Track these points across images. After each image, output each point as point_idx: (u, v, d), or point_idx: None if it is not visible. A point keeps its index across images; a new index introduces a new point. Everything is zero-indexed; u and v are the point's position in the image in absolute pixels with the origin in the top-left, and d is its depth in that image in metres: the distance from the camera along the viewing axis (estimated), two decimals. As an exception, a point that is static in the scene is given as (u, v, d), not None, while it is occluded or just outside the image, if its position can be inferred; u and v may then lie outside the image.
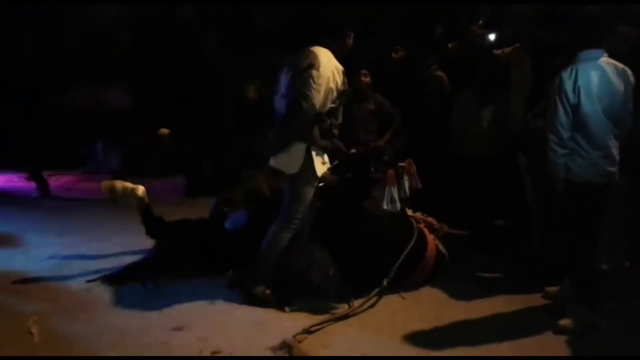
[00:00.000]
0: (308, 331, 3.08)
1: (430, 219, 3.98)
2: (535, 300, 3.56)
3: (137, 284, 3.74)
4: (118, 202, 3.88)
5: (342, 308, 3.39)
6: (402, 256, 3.60)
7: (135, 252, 4.29)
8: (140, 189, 3.89)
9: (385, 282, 3.51)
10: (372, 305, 3.45)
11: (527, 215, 4.10)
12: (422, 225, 3.89)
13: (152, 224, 4.00)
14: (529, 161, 3.98)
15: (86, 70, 7.62)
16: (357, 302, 3.43)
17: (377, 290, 3.48)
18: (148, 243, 4.22)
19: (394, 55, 5.11)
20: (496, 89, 4.49)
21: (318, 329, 3.14)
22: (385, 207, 3.73)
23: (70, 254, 4.36)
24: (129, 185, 3.88)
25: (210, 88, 6.65)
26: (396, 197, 3.85)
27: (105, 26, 7.82)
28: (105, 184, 3.87)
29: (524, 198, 4.11)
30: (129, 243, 4.50)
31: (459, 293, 3.64)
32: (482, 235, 4.52)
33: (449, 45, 5.15)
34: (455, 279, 3.86)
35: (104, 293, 3.64)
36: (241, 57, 6.90)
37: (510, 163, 4.26)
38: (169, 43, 7.45)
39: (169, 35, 7.56)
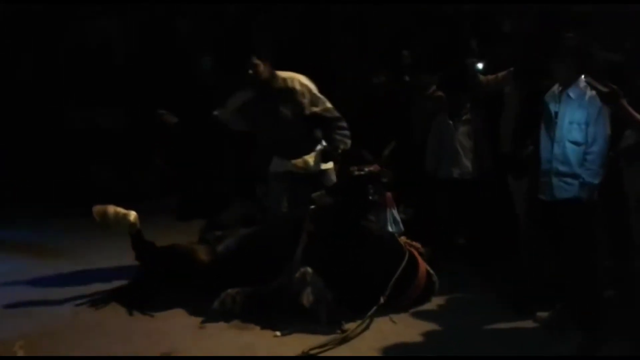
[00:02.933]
0: (307, 355, 3.07)
1: (415, 244, 3.98)
2: (526, 324, 3.52)
3: (124, 308, 3.71)
4: (109, 226, 3.87)
5: (333, 332, 3.34)
6: (397, 272, 3.59)
7: (122, 276, 4.22)
8: (132, 215, 3.87)
9: (382, 300, 3.50)
10: (364, 330, 3.41)
11: (509, 235, 4.12)
12: (411, 248, 3.88)
13: (143, 250, 3.97)
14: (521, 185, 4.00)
15: (80, 90, 7.62)
16: (348, 325, 3.40)
17: (374, 308, 3.46)
18: (136, 266, 4.15)
19: (375, 81, 5.16)
20: (471, 111, 4.58)
21: (319, 352, 3.11)
22: (390, 229, 3.73)
23: (57, 276, 4.32)
24: (121, 210, 3.86)
25: (206, 107, 6.65)
26: (398, 218, 3.85)
27: (100, 45, 7.84)
28: (97, 208, 3.84)
29: (503, 218, 4.15)
30: (116, 266, 4.48)
31: (449, 317, 3.61)
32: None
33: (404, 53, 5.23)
34: (445, 303, 3.84)
35: (90, 317, 3.61)
36: (238, 76, 6.91)
37: (492, 183, 4.31)
38: (164, 62, 7.48)
39: (164, 54, 7.59)
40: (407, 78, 5.33)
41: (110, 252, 4.87)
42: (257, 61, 4.06)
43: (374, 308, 3.47)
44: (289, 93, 4.14)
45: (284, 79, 4.16)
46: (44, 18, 7.55)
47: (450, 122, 4.60)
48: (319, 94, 4.21)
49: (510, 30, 5.62)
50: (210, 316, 3.54)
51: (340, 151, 4.02)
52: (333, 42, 6.91)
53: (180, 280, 3.81)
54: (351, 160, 4.27)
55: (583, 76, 3.16)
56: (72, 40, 7.75)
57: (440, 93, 4.84)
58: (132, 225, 3.86)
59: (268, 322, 3.45)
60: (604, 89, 3.02)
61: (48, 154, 7.33)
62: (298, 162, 4.00)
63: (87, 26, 7.75)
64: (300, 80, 4.19)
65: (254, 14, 7.55)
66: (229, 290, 3.60)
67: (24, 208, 6.58)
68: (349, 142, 4.12)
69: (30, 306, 3.75)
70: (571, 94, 3.28)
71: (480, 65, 4.73)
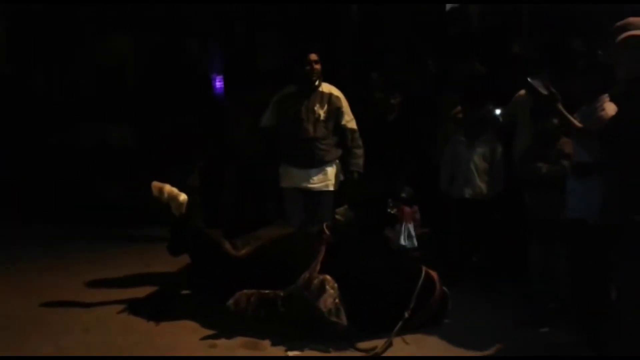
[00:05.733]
0: None
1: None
2: (540, 345, 3.49)
3: (138, 322, 3.76)
4: (162, 203, 4.07)
5: (344, 351, 3.32)
6: (418, 286, 3.57)
7: (133, 293, 4.29)
8: (183, 196, 4.09)
9: (406, 314, 3.46)
10: (389, 346, 3.36)
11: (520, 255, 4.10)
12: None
13: (179, 234, 4.12)
14: (529, 201, 3.99)
15: (91, 108, 7.70)
16: (362, 344, 3.37)
17: (400, 324, 3.43)
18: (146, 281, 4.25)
19: (392, 101, 5.19)
20: (485, 133, 4.60)
21: None
22: (402, 243, 3.73)
23: (67, 294, 4.31)
24: (175, 189, 4.11)
25: (217, 125, 6.72)
26: (413, 233, 3.85)
27: (112, 64, 7.94)
28: (156, 184, 4.10)
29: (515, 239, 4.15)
30: (126, 283, 4.55)
31: (461, 338, 3.55)
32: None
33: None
34: (457, 323, 3.78)
35: (101, 334, 3.60)
36: (247, 95, 6.97)
37: (505, 202, 4.31)
38: (175, 81, 7.56)
39: (175, 73, 7.67)
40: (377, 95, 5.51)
41: (121, 270, 4.93)
42: (316, 57, 4.38)
43: (400, 323, 3.42)
44: (328, 96, 4.45)
45: (325, 84, 4.49)
46: (58, 36, 7.67)
47: (466, 141, 4.61)
48: (349, 111, 4.52)
49: (519, 50, 5.67)
50: (223, 332, 3.54)
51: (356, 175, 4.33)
52: (343, 60, 6.97)
53: (205, 268, 3.99)
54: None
55: (529, 79, 3.06)
56: (84, 59, 7.86)
57: (461, 115, 4.87)
58: (180, 205, 4.07)
59: (279, 333, 3.47)
60: (544, 92, 2.96)
61: (58, 171, 7.39)
62: (339, 211, 4.30)
63: (100, 46, 7.86)
64: (337, 90, 4.53)
65: (259, 33, 7.67)
66: (245, 291, 3.60)
67: (33, 225, 6.61)
68: (362, 163, 4.41)
69: (41, 324, 3.75)
70: (582, 114, 3.28)
71: (498, 111, 4.80)
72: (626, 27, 2.69)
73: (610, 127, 2.79)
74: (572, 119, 2.97)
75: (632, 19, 2.71)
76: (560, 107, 2.96)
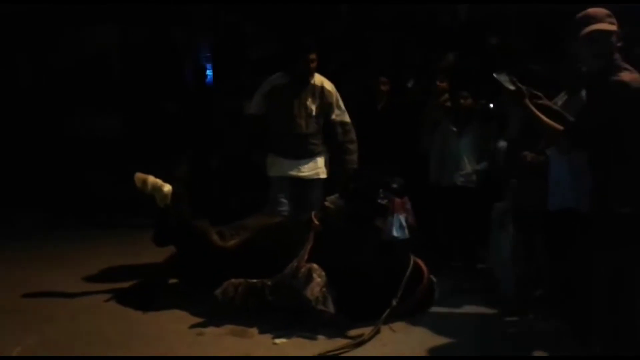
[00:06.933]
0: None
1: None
2: (529, 337, 3.49)
3: (125, 311, 3.75)
4: (146, 194, 4.04)
5: (332, 339, 3.33)
6: (406, 275, 3.59)
7: (121, 282, 4.28)
8: (167, 187, 4.06)
9: (394, 302, 3.49)
10: (376, 333, 3.38)
11: None
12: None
13: (164, 226, 4.08)
14: (515, 189, 4.00)
15: (79, 99, 7.64)
16: (352, 332, 3.38)
17: (387, 311, 3.45)
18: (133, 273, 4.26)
19: (382, 87, 5.18)
20: (474, 121, 4.64)
21: (336, 354, 3.13)
22: (395, 234, 3.73)
23: (54, 284, 4.27)
24: (158, 181, 4.07)
25: (206, 114, 6.70)
26: (404, 223, 3.86)
27: (97, 53, 7.87)
28: (139, 175, 4.06)
29: None
30: (114, 274, 4.53)
31: (448, 326, 3.58)
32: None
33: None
34: (444, 311, 3.82)
35: (88, 323, 3.58)
36: (235, 83, 6.95)
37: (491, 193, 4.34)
38: (161, 70, 7.51)
39: (161, 62, 7.62)
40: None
41: (109, 259, 4.90)
42: (314, 57, 4.35)
43: (387, 311, 3.45)
44: (320, 89, 4.44)
45: (317, 75, 4.47)
46: (43, 26, 7.58)
47: (455, 129, 4.62)
48: (341, 104, 4.51)
49: (497, 42, 5.70)
50: (211, 321, 3.54)
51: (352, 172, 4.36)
52: (331, 53, 6.95)
53: (191, 259, 3.96)
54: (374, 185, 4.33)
55: (495, 74, 2.91)
56: (70, 49, 7.78)
57: (448, 104, 4.88)
58: (164, 196, 4.04)
59: (266, 320, 3.49)
60: (511, 87, 2.83)
61: (45, 161, 7.33)
62: (330, 199, 4.12)
63: (85, 35, 7.78)
64: (329, 82, 4.52)
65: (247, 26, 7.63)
66: (233, 280, 3.60)
67: (23, 217, 6.55)
68: (356, 158, 4.48)
69: (27, 313, 3.72)
70: (567, 105, 3.28)
71: (491, 105, 4.83)
72: (588, 20, 2.66)
73: (578, 124, 2.76)
74: (540, 115, 2.83)
75: (592, 11, 2.68)
76: (528, 102, 2.83)
